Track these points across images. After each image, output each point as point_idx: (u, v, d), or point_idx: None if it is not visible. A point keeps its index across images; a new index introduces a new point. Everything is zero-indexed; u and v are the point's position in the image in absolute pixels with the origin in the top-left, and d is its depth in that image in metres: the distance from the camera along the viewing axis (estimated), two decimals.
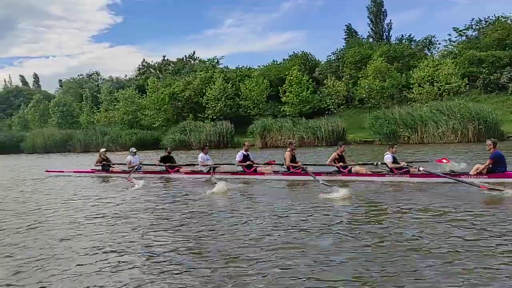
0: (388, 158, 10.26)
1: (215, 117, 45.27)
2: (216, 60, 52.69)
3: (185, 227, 6.25)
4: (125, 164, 14.56)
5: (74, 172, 15.63)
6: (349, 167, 10.90)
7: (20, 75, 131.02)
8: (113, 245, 5.44)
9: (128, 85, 63.83)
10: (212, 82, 47.65)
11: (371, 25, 51.36)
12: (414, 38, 51.55)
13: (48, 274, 4.46)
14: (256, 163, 12.33)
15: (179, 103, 49.95)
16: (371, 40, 53.12)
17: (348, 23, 64.28)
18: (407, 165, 10.33)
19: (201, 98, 47.18)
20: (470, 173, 9.16)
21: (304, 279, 3.95)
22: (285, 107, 43.05)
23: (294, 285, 3.83)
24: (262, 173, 11.75)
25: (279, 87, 45.19)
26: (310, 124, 30.01)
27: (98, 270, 4.51)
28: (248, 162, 12.20)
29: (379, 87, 37.42)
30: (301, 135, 29.28)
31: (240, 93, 46.57)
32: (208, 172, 12.33)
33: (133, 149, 14.49)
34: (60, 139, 42.89)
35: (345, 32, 61.82)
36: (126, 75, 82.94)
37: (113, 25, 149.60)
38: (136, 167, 13.85)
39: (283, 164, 11.74)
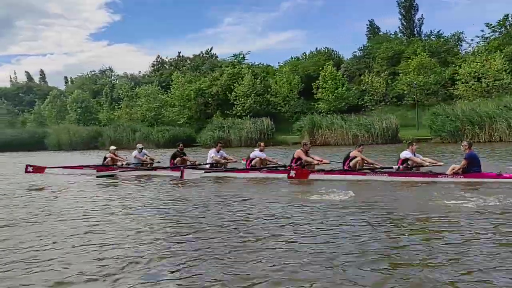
0: (406, 154, 9.92)
1: (244, 114, 43.69)
2: (242, 56, 50.98)
3: (189, 224, 5.98)
4: (129, 161, 14.29)
5: (75, 167, 14.94)
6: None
7: (25, 72, 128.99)
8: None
9: (149, 81, 62.25)
10: (240, 78, 46.02)
11: (402, 20, 49.66)
12: (443, 35, 50.25)
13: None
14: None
15: (205, 99, 48.29)
16: (400, 35, 51.52)
17: (371, 18, 63.05)
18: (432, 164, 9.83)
19: (229, 95, 45.50)
20: (447, 173, 9.32)
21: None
22: (319, 104, 41.47)
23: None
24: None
25: (311, 84, 43.90)
26: (362, 121, 28.38)
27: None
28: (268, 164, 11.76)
29: (422, 83, 35.86)
30: (354, 132, 27.63)
31: (269, 89, 44.96)
32: (219, 169, 12.10)
33: (140, 146, 14.24)
34: (86, 135, 41.12)
35: (368, 28, 60.54)
36: (140, 71, 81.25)
37: (111, 24, 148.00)
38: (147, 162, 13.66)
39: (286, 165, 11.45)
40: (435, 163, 9.73)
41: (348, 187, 8.61)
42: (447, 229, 5.14)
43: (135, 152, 13.90)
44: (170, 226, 5.87)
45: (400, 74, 39.06)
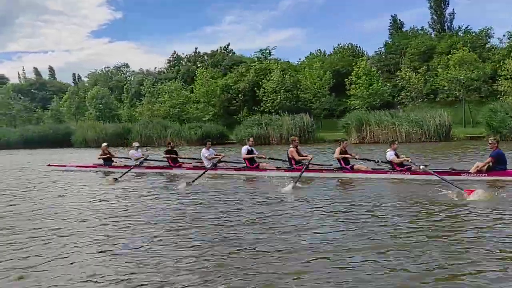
0: (390, 155, 10.17)
1: (273, 110, 42.46)
2: (268, 51, 49.63)
3: (182, 221, 6.35)
4: (128, 158, 14.53)
5: (76, 166, 15.69)
6: (351, 163, 10.86)
7: (34, 67, 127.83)
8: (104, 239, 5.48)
9: (166, 77, 60.97)
10: (268, 74, 44.73)
11: (433, 15, 48.23)
12: (471, 30, 48.85)
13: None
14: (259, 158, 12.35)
15: (231, 95, 47.03)
16: (429, 30, 50.19)
17: (394, 14, 61.53)
18: (410, 161, 10.12)
19: (258, 91, 44.21)
20: (470, 171, 9.10)
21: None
22: (351, 100, 40.19)
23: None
24: (265, 169, 11.88)
25: (339, 80, 42.71)
26: (412, 118, 27.07)
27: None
28: (250, 155, 12.12)
29: (465, 79, 34.54)
30: (407, 129, 26.33)
31: (299, 85, 43.67)
32: (210, 168, 12.12)
33: (136, 144, 14.71)
34: (113, 132, 39.84)
35: (390, 23, 59.29)
36: (155, 67, 79.93)
37: (112, 21, 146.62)
38: (141, 160, 13.76)
39: (285, 160, 11.82)
40: (408, 160, 10.08)
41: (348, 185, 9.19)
42: (454, 224, 5.48)
43: (132, 151, 14.26)
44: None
45: (438, 69, 37.69)
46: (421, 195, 7.61)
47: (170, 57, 77.53)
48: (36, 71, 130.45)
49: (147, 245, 5.05)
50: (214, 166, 12.20)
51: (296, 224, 5.81)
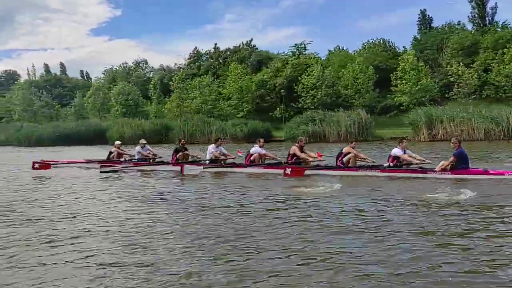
0: (398, 152, 10.21)
1: (313, 107, 40.70)
2: (303, 45, 47.75)
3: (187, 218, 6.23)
4: (133, 155, 14.44)
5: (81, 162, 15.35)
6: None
7: (44, 64, 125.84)
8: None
9: (189, 73, 59.02)
10: (306, 69, 42.87)
11: (476, 8, 46.29)
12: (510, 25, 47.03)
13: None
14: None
15: (266, 91, 45.17)
16: (468, 25, 48.28)
17: (423, 8, 59.65)
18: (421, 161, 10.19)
19: (296, 86, 42.34)
20: (435, 169, 9.52)
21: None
22: (399, 96, 38.33)
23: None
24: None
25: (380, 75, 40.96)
26: (487, 114, 25.27)
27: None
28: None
29: None
30: (486, 127, 24.52)
31: (339, 81, 41.85)
32: (220, 165, 12.41)
33: (143, 141, 14.53)
34: (150, 129, 37.97)
35: (419, 18, 57.49)
36: (175, 63, 77.89)
37: (112, 19, 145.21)
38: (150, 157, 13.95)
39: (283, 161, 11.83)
40: (424, 161, 10.10)
41: (341, 182, 8.97)
42: (422, 219, 5.65)
43: (138, 148, 14.15)
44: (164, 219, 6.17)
45: (493, 65, 35.88)
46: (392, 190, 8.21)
47: (191, 53, 75.65)
48: (47, 68, 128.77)
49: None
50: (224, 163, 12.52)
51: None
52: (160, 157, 14.25)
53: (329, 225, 5.42)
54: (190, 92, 49.21)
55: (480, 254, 4.13)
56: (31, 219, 6.31)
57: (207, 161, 12.49)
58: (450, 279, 3.55)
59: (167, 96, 52.66)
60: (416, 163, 10.06)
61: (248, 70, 49.87)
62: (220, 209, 6.69)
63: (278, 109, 43.80)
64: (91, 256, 4.46)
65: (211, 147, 12.81)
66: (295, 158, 11.27)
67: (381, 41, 56.04)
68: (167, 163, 13.12)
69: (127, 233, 5.36)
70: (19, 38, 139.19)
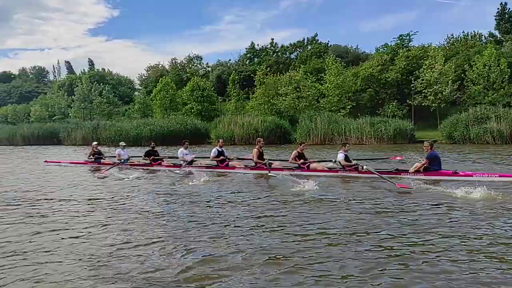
0: (340, 156, 11.10)
1: (435, 104, 35.50)
2: (408, 36, 42.34)
3: (164, 212, 6.89)
4: (114, 156, 15.28)
5: (70, 163, 16.63)
6: (308, 163, 11.69)
7: (66, 62, 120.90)
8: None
9: (253, 70, 53.79)
10: (420, 61, 37.60)
11: None
12: None
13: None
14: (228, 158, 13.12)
15: (374, 87, 39.92)
16: None
17: (503, 2, 54.50)
18: (356, 163, 11.01)
19: (415, 81, 37.03)
20: (409, 171, 10.02)
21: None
22: None
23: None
24: (234, 167, 12.66)
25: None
26: None
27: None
28: (221, 157, 12.94)
29: None
30: None
31: (464, 75, 36.57)
32: (186, 166, 13.03)
33: (123, 143, 15.67)
34: (268, 126, 32.52)
35: (498, 12, 52.43)
36: (229, 59, 72.53)
37: (109, 19, 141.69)
38: (124, 160, 14.78)
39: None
40: (356, 164, 10.97)
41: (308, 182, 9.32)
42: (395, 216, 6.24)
43: (118, 150, 15.10)
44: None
45: None
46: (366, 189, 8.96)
47: (247, 48, 70.31)
48: (69, 65, 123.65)
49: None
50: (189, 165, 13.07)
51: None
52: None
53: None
54: (280, 88, 43.96)
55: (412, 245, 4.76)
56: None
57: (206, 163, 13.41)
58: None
59: (250, 92, 47.34)
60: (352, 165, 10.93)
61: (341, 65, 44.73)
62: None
63: (389, 106, 38.54)
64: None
65: (184, 151, 13.56)
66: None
67: (465, 36, 51.14)
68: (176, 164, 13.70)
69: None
70: (16, 37, 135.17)
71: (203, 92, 48.67)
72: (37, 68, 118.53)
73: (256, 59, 67.49)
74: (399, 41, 42.52)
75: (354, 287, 3.69)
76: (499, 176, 9.23)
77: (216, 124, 35.07)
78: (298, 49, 64.53)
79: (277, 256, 4.45)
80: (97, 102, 54.04)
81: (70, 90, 66.61)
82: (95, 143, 16.40)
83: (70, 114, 55.56)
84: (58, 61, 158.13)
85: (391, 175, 9.96)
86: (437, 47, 40.21)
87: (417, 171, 9.82)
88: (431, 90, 35.88)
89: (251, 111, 44.08)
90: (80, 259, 4.45)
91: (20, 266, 4.31)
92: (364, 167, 10.50)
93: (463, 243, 4.76)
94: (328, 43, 57.43)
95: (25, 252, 4.74)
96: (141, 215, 6.67)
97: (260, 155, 12.20)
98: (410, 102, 37.40)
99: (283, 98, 42.55)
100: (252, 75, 55.43)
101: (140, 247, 4.87)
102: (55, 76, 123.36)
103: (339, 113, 38.04)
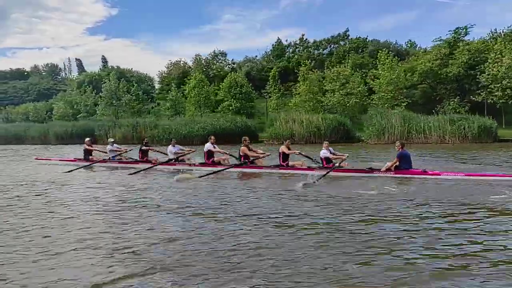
0: (324, 153, 11.04)
1: (502, 100, 32.96)
2: (465, 29, 39.67)
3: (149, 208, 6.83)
4: (106, 152, 15.20)
5: (60, 160, 16.37)
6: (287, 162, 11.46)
7: (76, 59, 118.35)
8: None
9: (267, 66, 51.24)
10: (485, 55, 35.02)
11: None
12: None
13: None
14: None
15: (428, 83, 37.34)
16: None
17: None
18: (334, 162, 10.98)
19: (480, 76, 34.43)
20: (381, 169, 10.16)
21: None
22: None
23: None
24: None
25: None
26: None
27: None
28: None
29: None
30: None
31: None
32: (174, 163, 12.93)
33: (111, 139, 15.96)
34: (330, 124, 29.89)
35: None
36: (256, 55, 69.89)
37: (108, 18, 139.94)
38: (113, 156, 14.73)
39: (236, 158, 12.27)
40: (343, 155, 10.97)
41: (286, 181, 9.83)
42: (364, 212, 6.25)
43: (109, 146, 15.09)
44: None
45: None
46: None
47: (273, 44, 67.71)
48: (80, 63, 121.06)
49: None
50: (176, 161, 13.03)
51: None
52: (131, 150, 15.70)
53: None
54: (325, 84, 41.41)
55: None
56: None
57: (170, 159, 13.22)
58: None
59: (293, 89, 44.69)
60: (339, 158, 10.93)
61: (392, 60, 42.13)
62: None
63: (449, 102, 35.95)
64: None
65: (173, 149, 13.25)
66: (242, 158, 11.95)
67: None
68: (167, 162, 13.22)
69: None
70: (15, 36, 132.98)
71: (241, 88, 46.02)
72: (49, 65, 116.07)
73: (284, 56, 64.92)
74: (454, 34, 39.86)
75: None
76: (465, 175, 9.41)
77: (272, 122, 32.37)
78: (330, 44, 61.88)
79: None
80: (126, 99, 51.36)
81: (89, 88, 64.09)
82: (88, 139, 15.94)
83: (97, 112, 52.82)
84: (69, 59, 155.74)
85: (364, 173, 10.26)
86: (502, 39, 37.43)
87: (388, 170, 10.07)
88: (498, 85, 33.31)
89: (294, 108, 41.53)
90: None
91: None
92: (336, 164, 10.76)
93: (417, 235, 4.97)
94: (367, 38, 54.54)
95: None
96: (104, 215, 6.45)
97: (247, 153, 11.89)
98: (473, 98, 34.82)
99: (331, 94, 40.05)
100: (282, 71, 53.10)
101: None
102: (66, 73, 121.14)
103: (393, 111, 35.53)
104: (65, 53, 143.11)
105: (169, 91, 51.87)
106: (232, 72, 50.65)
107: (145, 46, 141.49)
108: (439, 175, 9.54)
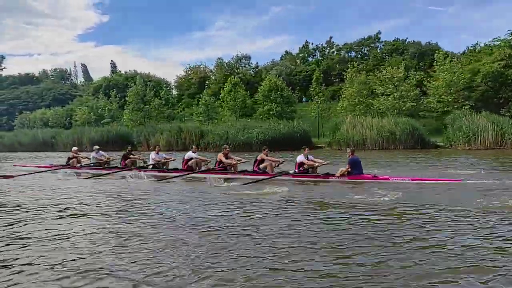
0: (299, 158, 11.29)
1: None
2: None
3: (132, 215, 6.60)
4: (89, 158, 14.95)
5: (36, 167, 15.72)
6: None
7: (82, 64, 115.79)
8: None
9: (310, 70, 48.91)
10: None
11: None
12: None
13: None
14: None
15: (489, 86, 35.02)
16: None
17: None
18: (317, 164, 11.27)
19: None
20: (336, 175, 10.51)
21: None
22: None
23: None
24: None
25: None
26: None
27: None
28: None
29: None
30: None
31: None
32: (155, 170, 12.94)
33: (97, 147, 15.42)
34: (404, 128, 27.18)
35: None
36: (273, 59, 67.51)
37: (99, 24, 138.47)
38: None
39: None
40: (323, 162, 11.25)
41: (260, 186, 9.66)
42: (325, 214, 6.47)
43: (93, 153, 14.84)
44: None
45: None
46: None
47: (300, 47, 65.59)
48: (85, 69, 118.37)
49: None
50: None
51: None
52: (113, 159, 15.44)
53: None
54: (376, 87, 39.02)
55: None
56: None
57: (150, 166, 13.25)
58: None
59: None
60: (317, 165, 11.19)
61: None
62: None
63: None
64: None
65: (152, 154, 13.35)
66: (221, 164, 12.00)
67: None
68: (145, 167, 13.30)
69: None
70: (5, 42, 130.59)
71: (282, 92, 43.50)
72: (58, 70, 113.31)
73: (313, 59, 62.72)
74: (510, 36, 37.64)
75: None
76: (411, 180, 9.79)
77: (337, 126, 29.75)
78: (362, 47, 59.75)
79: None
80: (156, 104, 48.64)
81: (107, 93, 61.42)
82: (75, 148, 16.09)
83: (124, 117, 50.01)
84: (75, 64, 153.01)
85: (320, 178, 10.67)
86: None
87: (342, 175, 10.37)
88: None
89: (343, 112, 39.08)
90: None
91: None
92: (291, 171, 11.27)
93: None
94: (406, 40, 52.39)
95: None
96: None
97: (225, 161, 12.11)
98: None
99: (384, 98, 37.63)
100: (312, 74, 50.78)
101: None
102: (72, 79, 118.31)
103: (481, 114, 33.07)
104: (56, 59, 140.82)
105: (201, 95, 49.12)
106: (270, 76, 47.99)
107: (136, 53, 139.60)
108: (388, 179, 9.96)
